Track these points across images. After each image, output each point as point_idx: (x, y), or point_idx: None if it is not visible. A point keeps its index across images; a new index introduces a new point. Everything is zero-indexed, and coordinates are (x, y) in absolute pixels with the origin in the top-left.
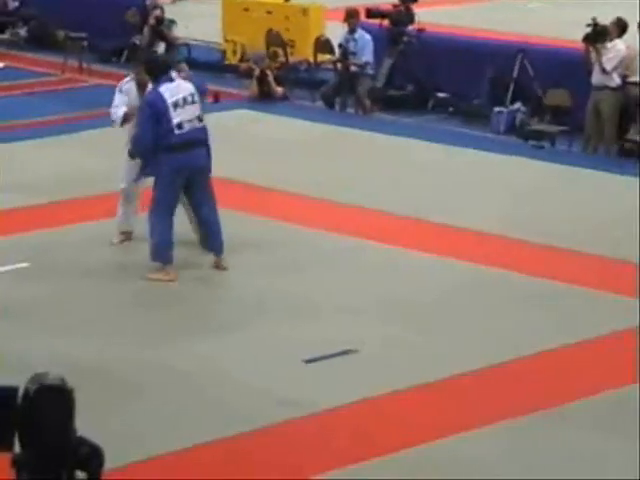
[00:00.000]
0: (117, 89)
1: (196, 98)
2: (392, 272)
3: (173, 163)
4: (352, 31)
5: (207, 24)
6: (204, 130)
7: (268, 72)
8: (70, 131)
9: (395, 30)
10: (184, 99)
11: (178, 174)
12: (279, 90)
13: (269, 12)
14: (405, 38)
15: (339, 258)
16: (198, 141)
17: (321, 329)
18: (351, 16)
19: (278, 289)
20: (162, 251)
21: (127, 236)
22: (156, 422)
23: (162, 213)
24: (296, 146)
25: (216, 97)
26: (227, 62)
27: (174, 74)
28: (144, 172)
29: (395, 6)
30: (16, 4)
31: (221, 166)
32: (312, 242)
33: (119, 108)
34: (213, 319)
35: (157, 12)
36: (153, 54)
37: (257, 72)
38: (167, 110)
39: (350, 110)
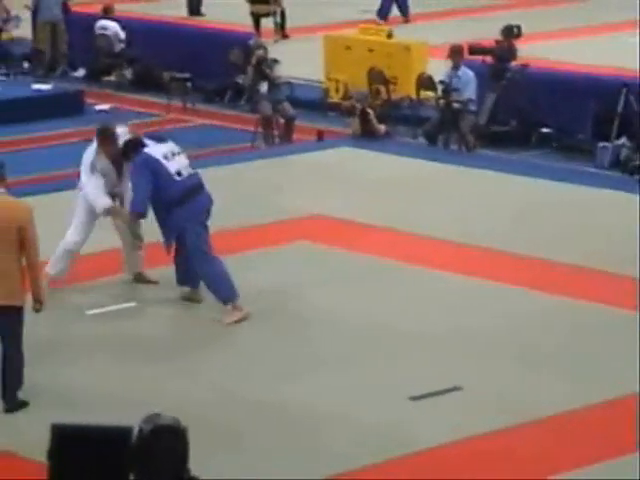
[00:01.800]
0: (88, 165)
1: (178, 150)
2: (493, 307)
3: (189, 212)
4: (456, 68)
5: (310, 63)
6: (198, 175)
7: (369, 110)
8: None
9: (498, 66)
10: (170, 152)
11: (198, 218)
12: (381, 128)
13: (371, 50)
14: (508, 74)
15: (437, 293)
16: (199, 185)
17: (428, 364)
18: (456, 53)
19: (383, 325)
20: (229, 293)
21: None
22: (264, 461)
23: (207, 258)
24: (398, 183)
25: (319, 135)
26: (330, 100)
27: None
28: (169, 239)
29: (498, 42)
30: (122, 46)
31: (323, 203)
32: (413, 278)
33: (100, 197)
34: (318, 356)
35: (260, 52)
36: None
37: (358, 110)
38: (160, 163)
39: (453, 147)
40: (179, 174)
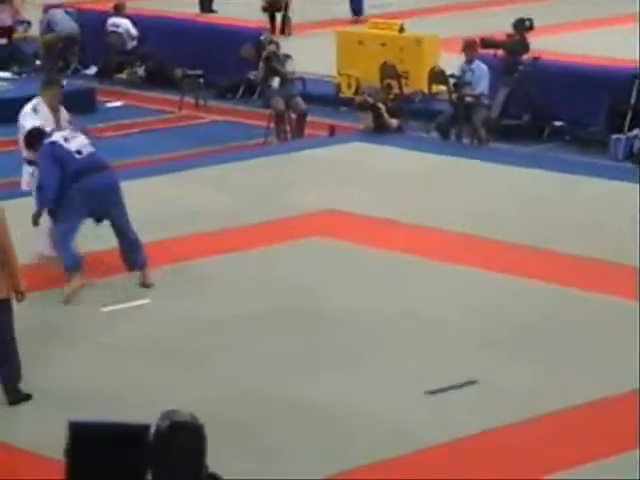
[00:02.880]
0: (30, 109)
1: (76, 133)
2: (508, 300)
3: (84, 187)
4: (469, 61)
5: (321, 58)
6: (98, 155)
7: (380, 105)
8: (186, 168)
9: (510, 59)
10: (69, 134)
11: (90, 197)
12: (393, 122)
13: (383, 44)
14: (520, 67)
15: (451, 287)
16: (100, 164)
17: (443, 359)
18: (469, 47)
19: (396, 320)
20: (76, 260)
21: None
22: (279, 457)
23: (68, 231)
24: (411, 177)
25: (331, 130)
26: (342, 95)
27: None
28: (43, 205)
29: (509, 35)
30: (134, 43)
31: (335, 199)
32: (427, 272)
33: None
34: (333, 353)
35: (271, 47)
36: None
37: (369, 105)
38: (60, 145)
39: (465, 140)
40: (79, 153)
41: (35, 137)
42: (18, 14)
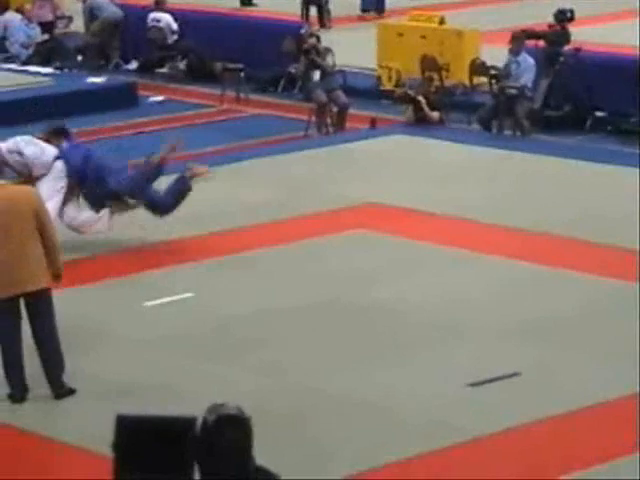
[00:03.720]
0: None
1: None
2: (549, 292)
3: None
4: (516, 54)
5: (362, 51)
6: None
7: (420, 98)
8: (227, 162)
9: (551, 50)
10: None
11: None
12: (434, 115)
13: (423, 37)
14: (561, 58)
15: (493, 279)
16: None
17: (483, 351)
18: (517, 39)
19: (438, 312)
20: None
21: None
22: (328, 448)
23: None
24: (452, 169)
25: (372, 123)
26: (382, 88)
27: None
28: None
29: (550, 26)
30: (174, 38)
31: (377, 191)
32: (472, 265)
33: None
34: (378, 344)
35: (312, 40)
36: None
37: (409, 97)
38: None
39: (507, 132)
40: None
41: (61, 132)
42: (59, 10)
